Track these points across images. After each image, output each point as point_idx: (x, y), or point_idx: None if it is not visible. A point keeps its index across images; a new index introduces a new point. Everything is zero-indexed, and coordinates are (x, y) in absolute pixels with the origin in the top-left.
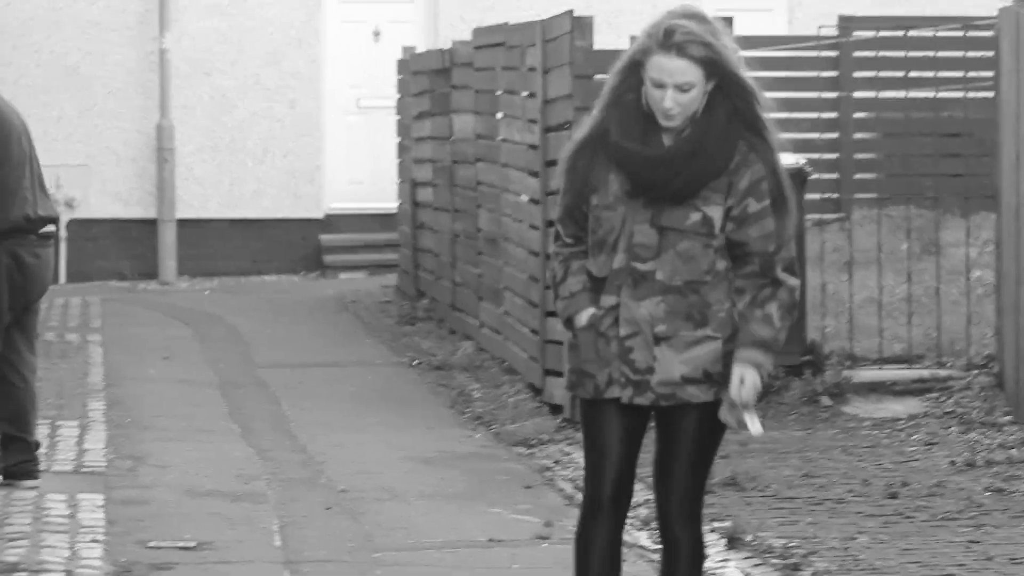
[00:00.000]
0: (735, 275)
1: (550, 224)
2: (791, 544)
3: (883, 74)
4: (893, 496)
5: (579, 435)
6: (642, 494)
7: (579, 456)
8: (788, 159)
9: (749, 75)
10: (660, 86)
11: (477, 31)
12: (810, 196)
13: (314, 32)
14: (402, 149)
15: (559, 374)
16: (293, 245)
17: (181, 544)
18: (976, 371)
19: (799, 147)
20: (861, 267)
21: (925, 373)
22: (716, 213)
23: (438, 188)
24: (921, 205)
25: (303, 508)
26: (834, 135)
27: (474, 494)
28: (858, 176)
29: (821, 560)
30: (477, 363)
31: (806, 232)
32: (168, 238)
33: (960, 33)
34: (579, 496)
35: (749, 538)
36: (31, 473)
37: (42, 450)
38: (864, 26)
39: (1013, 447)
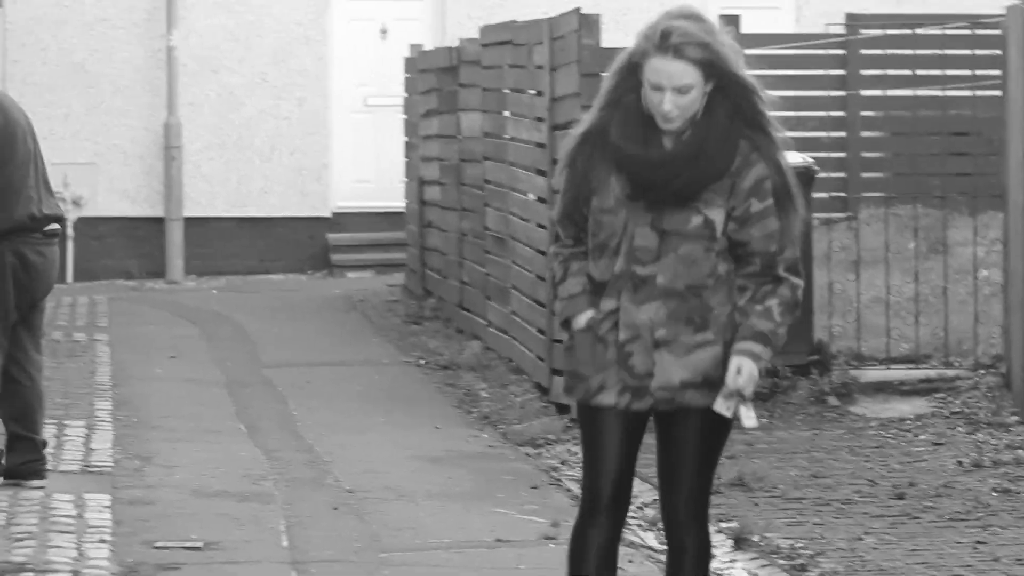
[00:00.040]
0: (737, 275)
1: None
2: (798, 545)
3: (890, 72)
4: (900, 496)
5: None
6: (649, 494)
7: None
8: (795, 158)
9: (749, 73)
10: (658, 89)
11: (484, 29)
12: (817, 195)
13: (321, 30)
14: (409, 147)
15: None
16: (300, 244)
17: (188, 544)
18: (983, 371)
19: (806, 145)
20: (868, 266)
21: (932, 373)
22: (718, 216)
23: (445, 187)
24: (928, 204)
25: (310, 508)
26: (841, 134)
27: (481, 494)
28: (865, 175)
29: (828, 561)
30: (484, 362)
31: (813, 231)
32: (175, 237)
33: (968, 31)
34: None
35: (756, 538)
36: (38, 472)
37: (49, 449)
38: (871, 24)
39: (1020, 447)
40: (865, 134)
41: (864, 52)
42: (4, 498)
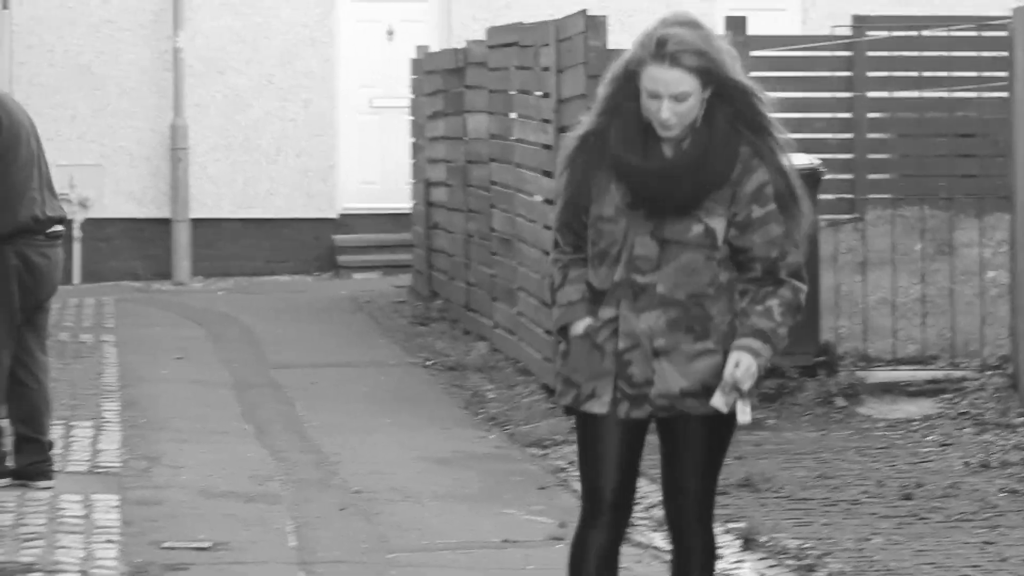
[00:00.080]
0: (739, 280)
1: None
2: (806, 545)
3: (897, 74)
4: (907, 497)
5: None
6: (657, 495)
7: None
8: (801, 159)
9: (746, 77)
10: (656, 96)
11: (491, 30)
12: (824, 196)
13: (328, 31)
14: (416, 149)
15: None
16: (306, 245)
17: (196, 545)
18: (990, 372)
19: (813, 147)
20: (875, 268)
21: (939, 374)
22: (719, 224)
23: (452, 188)
24: (935, 205)
25: (317, 509)
26: (848, 135)
27: (488, 495)
28: (872, 176)
29: (836, 561)
30: (491, 364)
31: (819, 232)
32: (182, 238)
33: (974, 33)
34: None
35: (764, 539)
36: (45, 473)
37: (57, 450)
38: (878, 25)
39: None
40: (872, 136)
41: (870, 54)
42: (12, 499)
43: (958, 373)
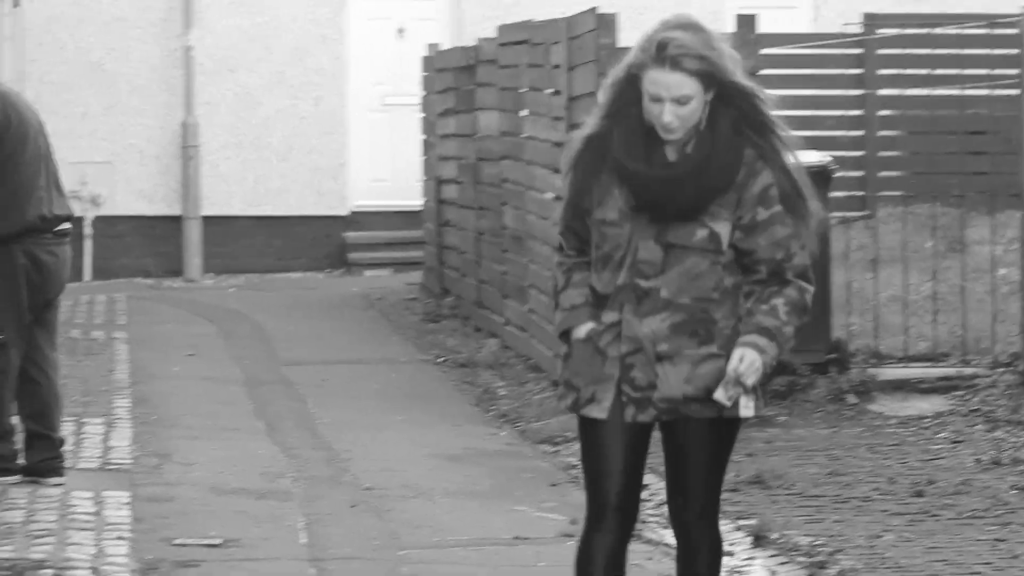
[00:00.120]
0: (744, 282)
1: None
2: (817, 542)
3: (908, 71)
4: (919, 494)
5: None
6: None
7: None
8: (812, 156)
9: (748, 79)
10: (657, 100)
11: (502, 28)
12: (835, 194)
13: (338, 29)
14: (427, 146)
15: None
16: (318, 242)
17: (207, 541)
18: (1001, 369)
19: (823, 144)
20: (886, 265)
21: (950, 371)
22: (723, 229)
23: (463, 185)
24: (946, 203)
25: (328, 506)
26: (859, 133)
27: (499, 492)
28: (883, 174)
29: (847, 558)
30: (502, 361)
31: (831, 230)
32: (193, 235)
33: (985, 30)
34: None
35: (775, 536)
36: (56, 470)
37: (68, 447)
38: (888, 23)
39: None
40: (882, 133)
41: (881, 51)
42: (23, 496)
43: (969, 370)
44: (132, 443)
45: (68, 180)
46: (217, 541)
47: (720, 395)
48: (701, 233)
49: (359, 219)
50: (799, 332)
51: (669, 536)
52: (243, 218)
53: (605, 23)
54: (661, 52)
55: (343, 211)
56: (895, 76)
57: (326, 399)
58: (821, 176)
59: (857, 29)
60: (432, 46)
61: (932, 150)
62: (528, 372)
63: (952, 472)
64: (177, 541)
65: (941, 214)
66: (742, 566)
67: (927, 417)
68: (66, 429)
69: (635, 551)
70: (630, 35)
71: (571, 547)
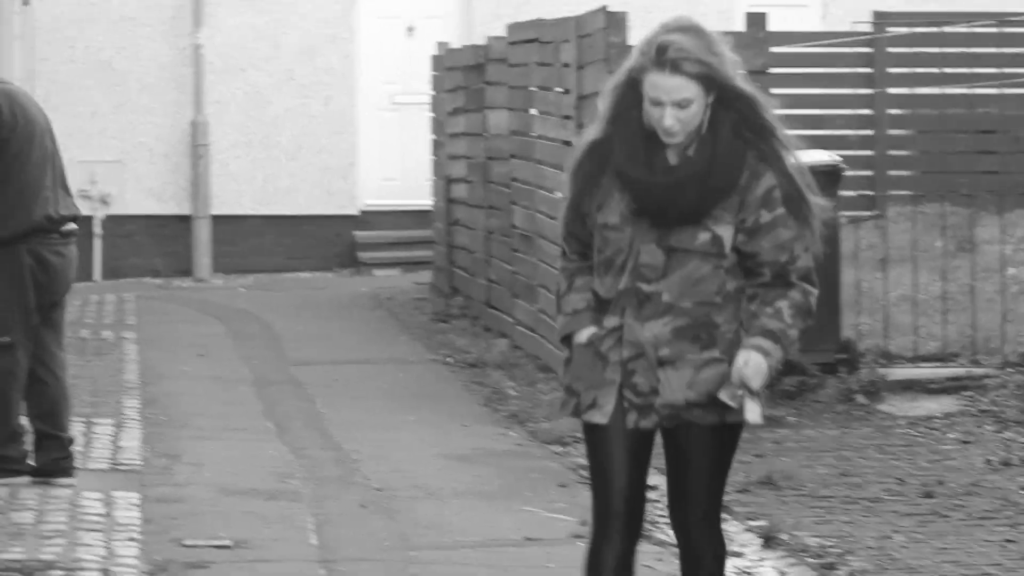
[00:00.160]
0: (748, 286)
1: None
2: (827, 543)
3: (917, 70)
4: (929, 495)
5: None
6: None
7: None
8: (822, 156)
9: (747, 83)
10: (658, 104)
11: (511, 27)
12: (844, 193)
13: (348, 28)
14: (436, 146)
15: None
16: (327, 242)
17: (217, 542)
18: (1011, 369)
19: (833, 143)
20: (896, 264)
21: (960, 371)
22: (726, 232)
23: (472, 185)
24: (956, 202)
25: (338, 506)
26: (868, 131)
27: (509, 492)
28: (893, 173)
29: (857, 559)
30: (512, 361)
31: (840, 229)
32: (203, 235)
33: (995, 29)
34: None
35: (785, 537)
36: (66, 471)
37: (78, 448)
38: (898, 22)
39: None
40: (892, 132)
41: (891, 50)
42: (33, 496)
43: (979, 370)
44: (142, 444)
45: (78, 179)
46: (227, 542)
47: (725, 396)
48: (703, 237)
49: (369, 218)
50: (807, 332)
51: None
52: (253, 217)
53: (615, 22)
54: (661, 55)
55: (353, 210)
56: (905, 75)
57: (335, 399)
58: (831, 175)
59: (867, 27)
60: (442, 45)
61: (942, 149)
62: (538, 372)
63: (962, 473)
64: (187, 542)
65: (951, 213)
66: (752, 567)
67: (937, 417)
68: (76, 430)
69: (645, 552)
70: (640, 34)
71: (581, 548)
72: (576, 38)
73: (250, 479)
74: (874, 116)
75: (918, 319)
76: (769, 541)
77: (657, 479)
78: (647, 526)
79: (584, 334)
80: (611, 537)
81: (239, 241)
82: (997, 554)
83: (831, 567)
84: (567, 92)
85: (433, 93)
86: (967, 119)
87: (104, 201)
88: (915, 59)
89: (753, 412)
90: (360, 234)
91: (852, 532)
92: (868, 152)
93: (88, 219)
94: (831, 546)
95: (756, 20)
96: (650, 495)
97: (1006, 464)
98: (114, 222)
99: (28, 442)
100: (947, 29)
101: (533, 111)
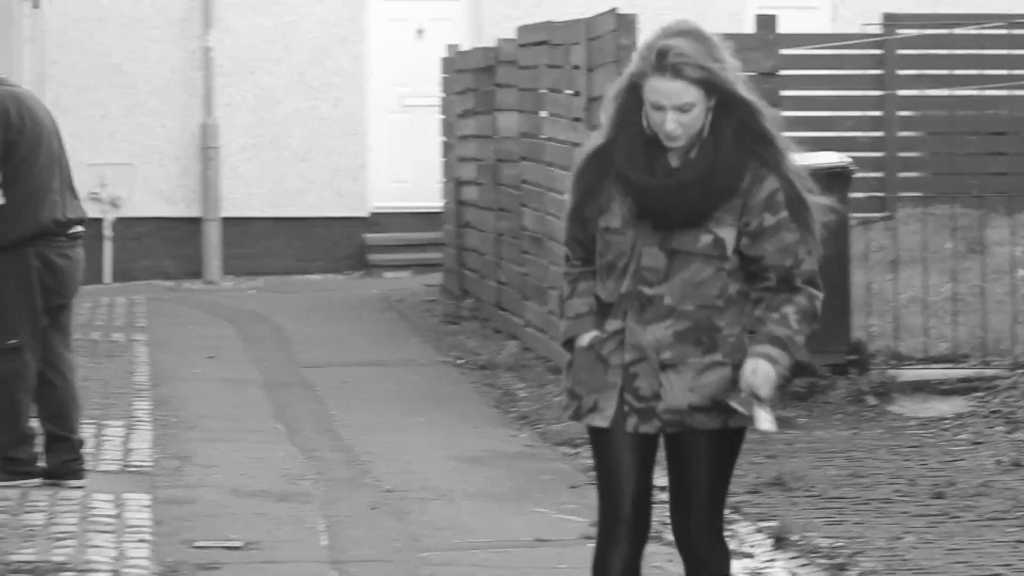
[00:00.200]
0: (753, 290)
1: None
2: (837, 544)
3: (927, 72)
4: (939, 496)
5: None
6: None
7: None
8: (832, 157)
9: (747, 89)
10: (659, 108)
11: (521, 29)
12: (855, 195)
13: (358, 30)
14: (446, 148)
15: None
16: (337, 244)
17: (227, 544)
18: (1021, 370)
19: (843, 145)
20: (906, 266)
21: (970, 372)
22: (728, 234)
23: (483, 187)
24: (966, 204)
25: (349, 508)
26: (878, 133)
27: (520, 494)
28: (903, 174)
29: (868, 560)
30: (522, 362)
31: (850, 231)
32: (213, 237)
33: (1005, 31)
34: None
35: (795, 538)
36: (76, 472)
37: (88, 450)
38: (908, 23)
39: None
40: (902, 134)
41: (901, 52)
42: (44, 498)
43: (989, 371)
44: (152, 445)
45: (88, 182)
46: (238, 543)
47: (734, 404)
48: (705, 239)
49: (379, 220)
50: (817, 334)
51: None
52: (263, 220)
53: (625, 24)
54: (661, 60)
55: (363, 212)
56: (915, 77)
57: (346, 401)
58: (841, 177)
59: (877, 29)
60: (452, 47)
61: (952, 151)
62: (548, 374)
63: (972, 474)
64: (198, 543)
65: (961, 215)
66: (763, 568)
67: (947, 419)
68: (86, 431)
69: (655, 553)
70: (649, 36)
71: (591, 549)
72: (586, 40)
73: (261, 481)
74: (884, 118)
75: (928, 320)
76: (780, 542)
77: (666, 479)
78: (657, 527)
79: (586, 338)
80: (618, 541)
81: (249, 243)
82: (1008, 555)
83: (842, 568)
84: (577, 94)
85: (443, 95)
86: (977, 121)
87: (114, 204)
88: (925, 61)
89: (765, 421)
90: (370, 236)
91: (863, 533)
92: (878, 154)
93: (98, 222)
94: (842, 547)
95: (766, 22)
96: (659, 496)
97: (1017, 465)
98: (124, 224)
99: (39, 444)
100: (957, 31)
101: (543, 113)
